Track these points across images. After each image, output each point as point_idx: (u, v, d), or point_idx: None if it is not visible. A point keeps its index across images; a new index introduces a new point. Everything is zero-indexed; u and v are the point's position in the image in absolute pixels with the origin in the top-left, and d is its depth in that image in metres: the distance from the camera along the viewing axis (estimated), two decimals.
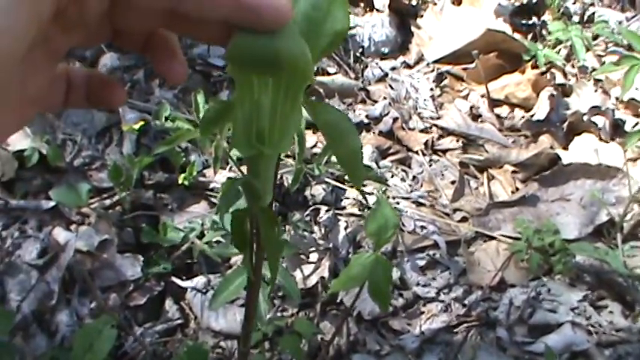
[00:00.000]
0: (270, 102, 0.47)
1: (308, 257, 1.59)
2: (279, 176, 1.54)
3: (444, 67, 2.18)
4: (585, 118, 2.01)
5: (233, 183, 1.44)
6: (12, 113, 0.46)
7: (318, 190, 1.71)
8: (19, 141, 1.55)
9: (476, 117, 2.05)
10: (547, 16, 2.37)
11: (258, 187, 0.53)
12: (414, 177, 1.84)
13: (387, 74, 2.13)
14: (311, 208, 1.68)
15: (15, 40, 0.38)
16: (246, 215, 0.61)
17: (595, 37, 2.34)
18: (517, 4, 2.35)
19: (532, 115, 2.02)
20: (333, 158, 1.45)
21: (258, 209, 0.57)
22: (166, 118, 1.37)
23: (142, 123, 1.66)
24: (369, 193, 1.70)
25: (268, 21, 0.44)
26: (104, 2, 0.44)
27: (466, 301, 1.57)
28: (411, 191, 1.79)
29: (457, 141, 1.96)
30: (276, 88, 0.47)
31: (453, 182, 1.84)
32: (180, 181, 1.59)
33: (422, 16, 2.33)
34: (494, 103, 2.08)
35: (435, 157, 1.91)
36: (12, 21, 0.37)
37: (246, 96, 0.47)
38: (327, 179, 1.71)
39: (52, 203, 1.52)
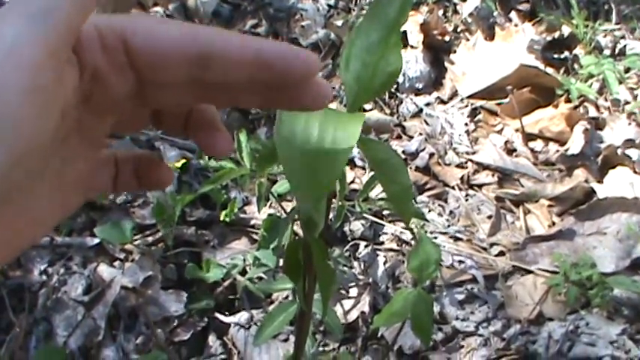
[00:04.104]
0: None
1: (348, 292, 1.60)
2: None
3: (478, 102, 2.19)
4: (619, 151, 2.01)
5: (277, 218, 1.46)
6: (53, 200, 0.45)
7: (356, 226, 1.73)
8: None
9: (511, 151, 2.05)
10: (579, 50, 2.37)
11: (313, 216, 0.55)
12: (451, 212, 1.86)
13: (421, 110, 2.15)
14: (350, 244, 1.70)
15: (35, 130, 0.37)
16: (299, 246, 0.63)
17: (627, 70, 2.33)
18: (549, 38, 2.36)
19: (566, 149, 2.02)
20: (372, 194, 1.47)
21: (312, 239, 0.59)
22: (209, 157, 1.40)
23: (183, 161, 1.69)
24: (407, 229, 1.71)
25: (294, 76, 0.43)
26: (129, 82, 0.44)
27: (505, 335, 1.57)
28: (449, 226, 1.80)
29: (493, 175, 1.97)
30: None
31: (489, 217, 1.84)
32: (221, 218, 1.61)
33: (455, 51, 2.34)
34: (528, 138, 2.09)
35: (471, 191, 1.92)
36: (26, 113, 0.36)
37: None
38: (365, 215, 1.72)
39: (96, 240, 1.55)
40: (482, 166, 1.99)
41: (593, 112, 2.16)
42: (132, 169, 0.52)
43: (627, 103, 2.20)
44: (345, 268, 1.63)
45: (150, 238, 1.61)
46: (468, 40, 2.38)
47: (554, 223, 1.85)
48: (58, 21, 0.38)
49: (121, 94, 0.44)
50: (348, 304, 1.58)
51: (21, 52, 0.36)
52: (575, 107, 2.13)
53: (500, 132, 2.12)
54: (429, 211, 1.84)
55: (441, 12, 2.41)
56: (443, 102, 2.21)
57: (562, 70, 2.30)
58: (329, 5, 2.36)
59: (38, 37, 0.37)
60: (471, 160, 2.01)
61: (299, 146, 0.45)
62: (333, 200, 1.43)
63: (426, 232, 1.75)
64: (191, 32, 0.42)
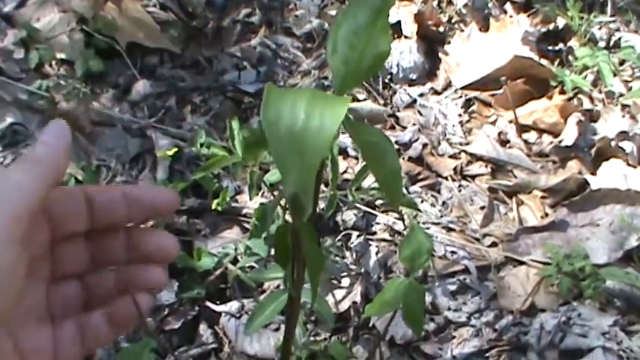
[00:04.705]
0: None
1: (340, 282, 1.60)
2: None
3: (472, 93, 2.18)
4: (613, 143, 2.01)
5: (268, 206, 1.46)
6: None
7: (349, 216, 1.72)
8: None
9: (504, 142, 2.05)
10: (573, 42, 2.37)
11: (302, 200, 0.54)
12: (444, 202, 1.85)
13: (415, 100, 2.14)
14: (342, 234, 1.69)
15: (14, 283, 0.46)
16: (288, 230, 0.63)
17: (622, 63, 2.33)
18: (543, 30, 2.35)
19: (560, 141, 2.01)
20: (364, 184, 1.46)
21: (301, 223, 0.58)
22: (201, 145, 1.39)
23: (175, 149, 1.68)
24: (400, 219, 1.71)
25: (156, 214, 0.59)
26: (45, 236, 0.52)
27: (497, 326, 1.57)
28: (441, 216, 1.80)
29: (486, 166, 1.96)
30: None
31: (482, 207, 1.84)
32: (213, 207, 1.60)
33: (449, 42, 2.33)
34: (522, 129, 2.08)
35: (464, 182, 1.92)
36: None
37: None
38: (357, 205, 1.72)
39: None
40: (476, 157, 1.99)
41: (587, 104, 2.16)
42: (102, 321, 0.59)
43: (621, 95, 2.20)
44: (337, 258, 1.62)
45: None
46: (462, 31, 2.37)
47: (547, 215, 1.85)
48: (24, 198, 0.46)
49: (37, 249, 0.52)
50: (339, 293, 1.57)
51: None
52: (570, 99, 2.12)
53: (493, 123, 2.11)
54: (422, 201, 1.83)
55: (435, 2, 2.40)
56: (437, 93, 2.20)
57: (556, 62, 2.29)
58: None
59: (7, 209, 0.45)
60: (464, 151, 2.00)
61: (286, 128, 0.45)
62: (325, 189, 1.43)
63: (418, 222, 1.74)
64: (81, 187, 0.55)
